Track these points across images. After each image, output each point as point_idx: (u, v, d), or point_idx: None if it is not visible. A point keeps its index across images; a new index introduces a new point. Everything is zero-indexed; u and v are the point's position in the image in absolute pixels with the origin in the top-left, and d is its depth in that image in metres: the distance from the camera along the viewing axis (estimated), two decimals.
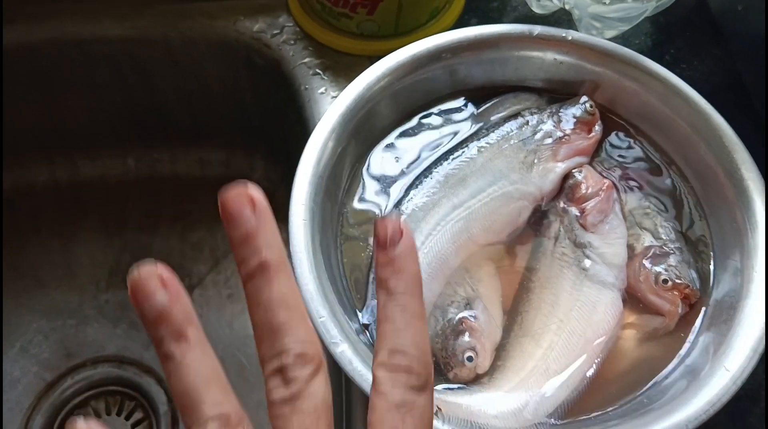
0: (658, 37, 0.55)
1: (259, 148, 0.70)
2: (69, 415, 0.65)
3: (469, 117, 0.46)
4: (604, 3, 0.52)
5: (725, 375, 0.34)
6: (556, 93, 0.47)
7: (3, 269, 0.68)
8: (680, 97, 0.42)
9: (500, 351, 0.39)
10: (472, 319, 0.39)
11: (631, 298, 0.41)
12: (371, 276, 0.40)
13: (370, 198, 0.43)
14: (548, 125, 0.44)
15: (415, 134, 0.46)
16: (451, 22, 0.55)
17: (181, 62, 0.60)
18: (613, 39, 0.54)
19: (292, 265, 0.37)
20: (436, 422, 0.32)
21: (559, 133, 0.44)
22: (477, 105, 0.47)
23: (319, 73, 0.54)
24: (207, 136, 0.69)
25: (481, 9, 0.57)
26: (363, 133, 0.43)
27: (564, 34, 0.44)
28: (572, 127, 0.44)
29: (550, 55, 0.45)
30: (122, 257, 0.71)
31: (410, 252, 0.24)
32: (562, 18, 0.55)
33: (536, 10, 0.55)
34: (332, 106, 0.41)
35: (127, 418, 0.66)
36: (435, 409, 0.33)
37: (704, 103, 0.42)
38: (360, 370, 0.34)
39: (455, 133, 0.46)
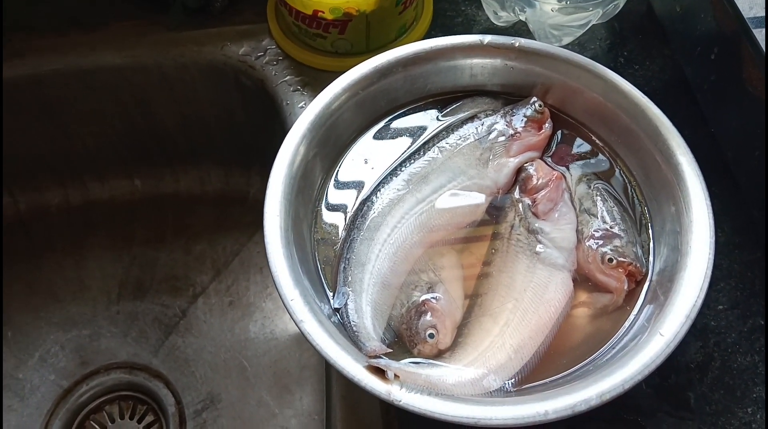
0: (613, 41, 0.59)
1: (254, 163, 0.75)
2: (85, 419, 0.70)
3: (431, 121, 0.51)
4: (567, 13, 0.56)
5: (660, 340, 0.38)
6: (511, 96, 0.51)
7: (20, 286, 0.74)
8: (619, 93, 0.46)
9: (462, 329, 0.43)
10: (434, 301, 0.43)
11: (582, 279, 0.44)
12: (341, 266, 0.44)
13: (341, 197, 0.48)
14: (501, 125, 0.48)
15: (382, 138, 0.50)
16: (419, 38, 0.60)
17: (176, 87, 0.65)
18: (570, 45, 0.58)
19: (267, 257, 0.41)
20: (393, 387, 0.36)
21: (511, 132, 0.48)
22: (439, 110, 0.51)
23: (299, 90, 0.58)
24: (205, 154, 0.74)
25: (447, 25, 0.61)
26: (333, 137, 0.48)
27: (512, 42, 0.48)
28: (523, 125, 0.48)
29: (501, 62, 0.49)
30: (131, 271, 0.76)
31: None
32: (522, 29, 0.59)
33: (497, 23, 0.60)
34: (302, 115, 0.46)
35: (139, 421, 0.70)
36: (392, 375, 0.36)
37: (641, 95, 0.45)
38: (325, 344, 0.37)
39: (419, 136, 0.50)
